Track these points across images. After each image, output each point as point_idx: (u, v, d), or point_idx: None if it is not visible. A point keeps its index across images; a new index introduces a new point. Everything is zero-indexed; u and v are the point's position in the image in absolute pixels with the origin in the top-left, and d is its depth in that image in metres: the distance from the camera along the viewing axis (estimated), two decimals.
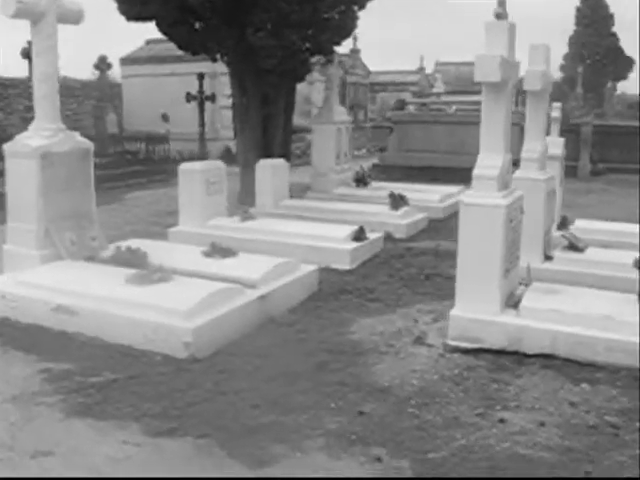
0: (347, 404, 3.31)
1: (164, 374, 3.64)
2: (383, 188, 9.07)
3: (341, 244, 5.87)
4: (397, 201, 7.26)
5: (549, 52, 5.21)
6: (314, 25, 8.06)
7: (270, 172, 7.60)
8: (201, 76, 12.65)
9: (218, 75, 13.43)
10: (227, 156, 14.31)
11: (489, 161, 3.89)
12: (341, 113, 9.21)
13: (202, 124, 12.92)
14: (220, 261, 4.95)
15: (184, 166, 6.53)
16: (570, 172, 12.86)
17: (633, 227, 6.22)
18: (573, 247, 5.21)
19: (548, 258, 5.25)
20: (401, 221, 7.07)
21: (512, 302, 4.03)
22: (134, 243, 5.29)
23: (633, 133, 13.13)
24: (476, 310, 3.89)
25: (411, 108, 15.07)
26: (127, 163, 11.82)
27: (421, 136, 13.03)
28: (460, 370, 3.69)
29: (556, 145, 6.50)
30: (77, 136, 5.20)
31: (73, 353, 3.95)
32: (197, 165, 6.53)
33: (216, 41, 7.56)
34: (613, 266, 5.03)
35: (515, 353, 3.82)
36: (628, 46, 40.78)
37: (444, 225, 7.79)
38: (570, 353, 3.68)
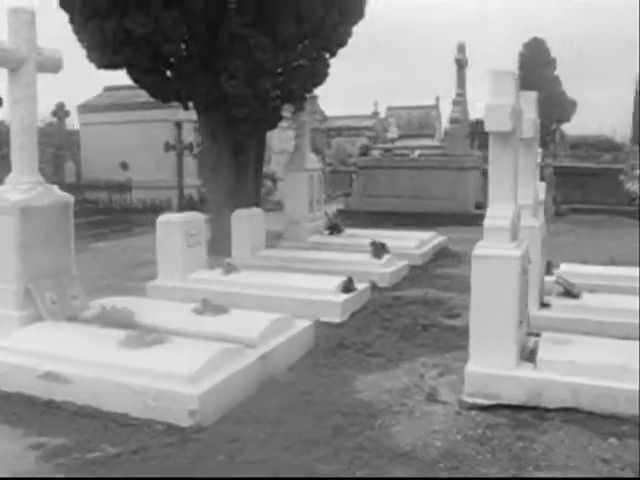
0: (372, 471, 3.12)
1: (170, 445, 3.37)
2: (357, 235, 9.02)
3: (331, 296, 5.71)
4: (379, 249, 7.17)
5: (536, 100, 5.26)
6: (286, 73, 8.04)
7: (247, 222, 7.44)
8: (178, 125, 12.52)
9: (182, 123, 13.28)
10: (188, 204, 14.11)
11: (500, 211, 3.82)
12: (313, 160, 9.15)
13: (180, 174, 12.74)
14: (213, 319, 4.72)
15: (163, 218, 6.30)
16: None
17: (619, 270, 6.27)
18: (568, 293, 5.18)
19: (544, 305, 5.20)
20: (385, 270, 6.97)
21: (525, 354, 3.93)
22: (117, 301, 5.02)
23: (593, 174, 13.52)
24: (492, 365, 3.77)
25: (375, 153, 15.19)
26: (89, 212, 11.48)
27: (385, 181, 13.11)
28: (482, 429, 3.54)
29: (540, 190, 6.53)
30: (56, 189, 4.94)
31: (65, 425, 3.65)
32: (177, 217, 6.31)
33: (189, 88, 7.42)
34: (610, 312, 5.01)
35: (535, 408, 3.70)
36: (570, 89, 42.55)
37: (424, 272, 7.74)
38: (592, 406, 3.58)
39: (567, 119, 41.91)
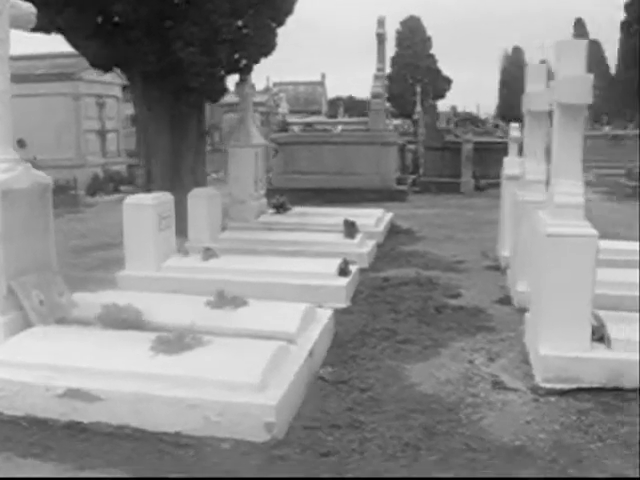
0: (501, 473, 2.83)
1: (260, 468, 2.89)
2: (306, 214, 8.64)
3: (334, 280, 5.33)
4: (351, 229, 6.84)
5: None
6: (235, 41, 7.43)
7: (206, 203, 6.83)
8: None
9: (82, 97, 12.12)
10: (95, 184, 13.03)
11: (569, 188, 3.62)
12: (257, 136, 8.61)
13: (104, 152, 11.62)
14: (236, 312, 4.19)
15: (132, 200, 5.59)
16: (454, 188, 13.34)
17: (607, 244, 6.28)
18: None
19: None
20: (361, 250, 6.66)
21: (595, 336, 3.78)
22: (111, 297, 4.35)
23: (506, 149, 13.86)
24: (568, 348, 3.58)
25: (295, 129, 14.74)
26: None
27: (308, 157, 12.73)
28: (575, 415, 3.35)
29: (516, 166, 6.46)
30: (33, 169, 4.17)
31: (106, 451, 3.05)
32: (148, 198, 5.61)
33: (137, 56, 6.64)
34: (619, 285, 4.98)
35: (614, 390, 3.56)
36: (445, 66, 44.00)
37: (391, 250, 7.50)
38: None
39: (442, 96, 43.39)
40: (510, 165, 6.47)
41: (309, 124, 14.82)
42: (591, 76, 3.43)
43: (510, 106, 49.37)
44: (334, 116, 28.62)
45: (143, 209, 5.52)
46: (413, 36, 41.65)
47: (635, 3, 22.71)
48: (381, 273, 6.37)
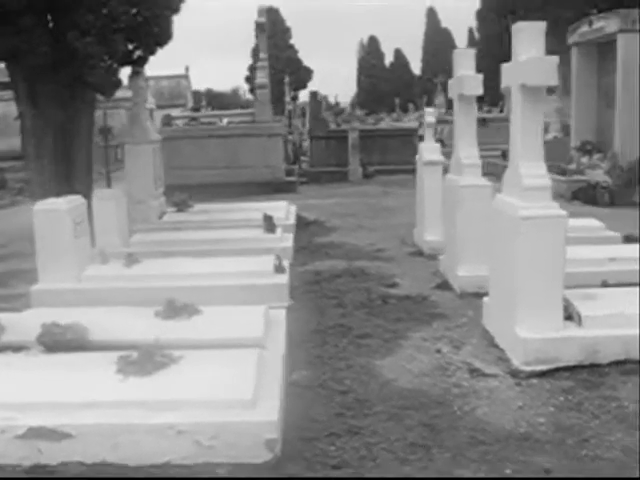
0: (523, 465, 2.76)
1: None
2: (209, 211, 8.28)
3: (273, 278, 5.06)
4: (271, 223, 6.60)
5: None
6: (130, 30, 6.92)
7: (114, 205, 6.30)
8: None
9: None
10: None
11: (535, 170, 3.62)
12: (153, 131, 8.11)
13: None
14: (191, 322, 3.85)
15: (43, 205, 5.01)
16: (342, 177, 13.40)
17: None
18: None
19: None
20: (285, 244, 6.42)
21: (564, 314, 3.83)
22: (44, 314, 3.85)
23: (392, 136, 14.15)
24: (544, 329, 3.61)
25: (179, 123, 14.06)
26: None
27: (194, 152, 12.25)
28: (563, 395, 3.37)
29: (436, 151, 6.52)
30: None
31: None
32: (61, 203, 5.04)
33: (28, 46, 5.97)
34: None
35: (589, 366, 3.63)
36: (305, 57, 44.35)
37: (308, 243, 7.34)
38: None
39: (304, 86, 43.74)
40: (429, 151, 6.50)
41: (194, 118, 14.26)
42: (557, 57, 3.44)
43: (368, 94, 50.92)
44: (197, 110, 27.91)
45: (56, 215, 4.96)
46: (273, 27, 41.48)
47: None
48: (307, 267, 6.20)
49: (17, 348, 3.60)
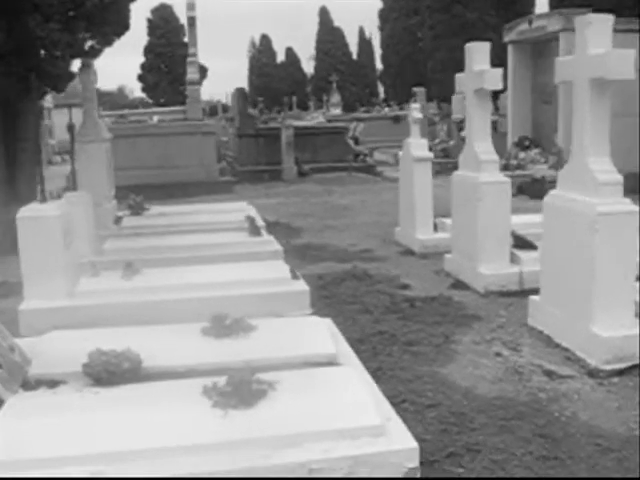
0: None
1: None
2: (166, 214, 7.74)
3: (293, 286, 4.72)
4: (255, 226, 6.21)
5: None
6: (83, 17, 6.31)
7: (83, 210, 5.71)
8: None
9: None
10: None
11: (606, 165, 3.54)
12: (105, 129, 7.46)
13: None
14: (251, 339, 3.45)
15: (28, 212, 4.39)
16: (275, 176, 13.07)
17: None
18: (528, 245, 5.17)
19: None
20: (275, 247, 6.05)
21: None
22: (72, 338, 3.34)
23: (319, 134, 13.96)
24: (620, 326, 3.54)
25: (107, 121, 13.09)
26: None
27: (124, 152, 11.47)
28: None
29: (424, 147, 6.38)
30: None
31: None
32: (50, 209, 4.43)
33: None
34: None
35: None
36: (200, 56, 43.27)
37: (287, 245, 6.98)
38: None
39: (200, 84, 42.72)
40: (417, 147, 6.35)
41: (122, 115, 13.38)
42: (633, 53, 3.36)
43: (260, 92, 50.55)
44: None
45: (45, 223, 4.37)
46: (166, 24, 40.26)
47: None
48: (304, 270, 5.84)
49: (52, 383, 3.08)
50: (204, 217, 7.32)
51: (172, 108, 14.19)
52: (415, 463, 2.52)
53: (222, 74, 63.02)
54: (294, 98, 39.19)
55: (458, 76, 5.26)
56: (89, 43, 6.75)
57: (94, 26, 6.30)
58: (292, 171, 12.93)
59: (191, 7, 11.51)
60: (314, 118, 26.53)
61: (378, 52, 46.89)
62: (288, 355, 3.27)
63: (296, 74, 53.48)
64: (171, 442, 2.47)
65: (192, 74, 11.52)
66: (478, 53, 4.93)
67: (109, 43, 6.79)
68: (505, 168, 10.58)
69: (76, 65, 7.08)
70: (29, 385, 3.03)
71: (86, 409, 2.72)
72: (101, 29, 6.39)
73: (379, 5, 29.81)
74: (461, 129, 18.87)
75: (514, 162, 10.57)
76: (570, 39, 9.60)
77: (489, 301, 4.83)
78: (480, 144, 5.00)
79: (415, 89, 22.15)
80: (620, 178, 3.54)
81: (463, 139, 16.12)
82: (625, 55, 3.35)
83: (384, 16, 28.50)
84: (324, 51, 50.24)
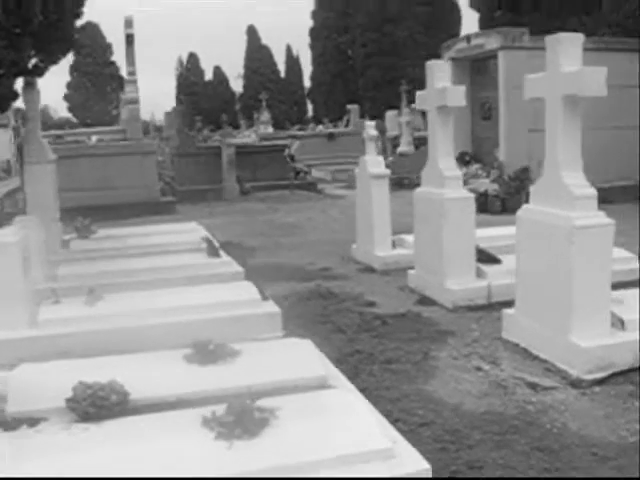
0: None
1: None
2: (115, 237, 7.50)
3: (264, 307, 4.63)
4: (214, 247, 6.09)
5: None
6: (29, 34, 6.08)
7: (35, 235, 5.44)
8: None
9: None
10: None
11: (579, 180, 3.65)
12: (50, 149, 7.18)
13: None
14: (237, 365, 3.35)
15: None
16: (215, 195, 12.89)
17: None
18: (492, 259, 5.26)
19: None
20: (236, 269, 5.94)
21: None
22: (42, 371, 3.16)
23: (258, 152, 13.88)
24: (597, 336, 3.63)
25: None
26: None
27: (63, 173, 11.05)
28: (634, 401, 3.40)
29: (381, 164, 6.42)
30: None
31: None
32: (9, 234, 4.19)
33: None
34: None
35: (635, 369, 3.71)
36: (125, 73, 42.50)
37: (243, 265, 6.87)
38: None
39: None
40: (374, 164, 6.38)
41: (59, 136, 12.90)
42: (604, 71, 3.48)
43: (189, 111, 50.08)
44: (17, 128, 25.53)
45: (4, 249, 4.14)
46: (92, 43, 39.41)
47: (319, 12, 24.68)
48: (266, 291, 5.77)
49: (32, 421, 2.89)
50: (156, 239, 7.12)
51: (111, 128, 13.82)
52: None
53: (148, 94, 62.10)
54: (224, 116, 39.03)
55: (419, 94, 5.33)
56: (33, 61, 6.51)
57: (40, 43, 6.07)
58: (234, 190, 12.79)
59: (129, 24, 11.27)
60: (245, 136, 26.48)
61: (307, 70, 47.46)
62: (279, 379, 3.19)
63: (225, 93, 53.26)
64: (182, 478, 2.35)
65: (131, 92, 11.26)
66: (439, 71, 5.02)
67: (55, 61, 6.55)
68: None
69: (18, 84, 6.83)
70: (7, 424, 2.84)
71: (80, 448, 2.57)
72: (47, 47, 6.16)
73: (309, 24, 30.14)
74: (395, 146, 19.34)
75: None
76: (508, 56, 10.03)
77: (458, 316, 4.88)
78: (443, 160, 5.07)
79: (349, 106, 22.50)
80: (594, 192, 3.65)
81: (401, 155, 16.49)
82: (597, 72, 3.47)
83: (315, 34, 28.77)
84: (252, 69, 50.28)
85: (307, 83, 50.15)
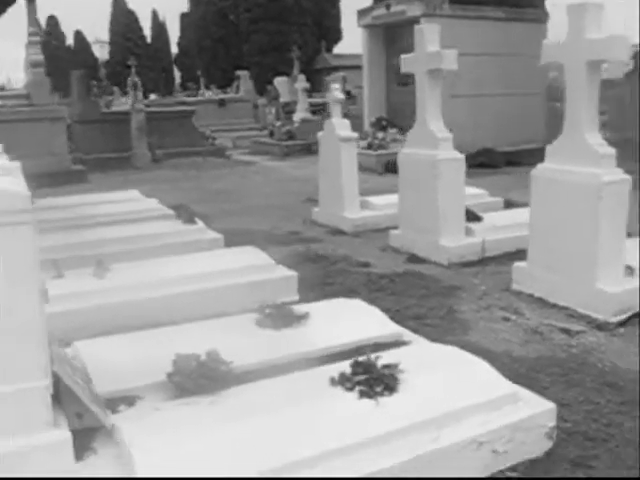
0: None
1: None
2: (58, 207, 7.02)
3: (280, 271, 4.61)
4: (189, 214, 5.90)
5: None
6: None
7: None
8: None
9: None
10: None
11: (599, 140, 3.95)
12: None
13: None
14: (316, 327, 3.35)
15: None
16: (124, 163, 12.35)
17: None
18: (474, 217, 5.53)
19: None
20: (214, 235, 5.81)
21: None
22: (108, 346, 3.01)
23: (166, 118, 13.37)
24: (616, 282, 3.98)
25: None
26: None
27: None
28: None
29: (348, 127, 6.46)
30: None
31: None
32: None
33: None
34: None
35: None
36: None
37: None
38: None
39: None
40: (341, 126, 6.42)
41: None
42: (627, 37, 3.76)
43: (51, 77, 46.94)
44: None
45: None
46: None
47: None
48: None
49: (130, 400, 2.76)
50: (108, 208, 6.74)
51: (14, 92, 12.68)
52: (554, 422, 2.69)
53: (4, 58, 57.18)
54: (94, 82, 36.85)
55: (404, 57, 5.44)
56: None
57: None
58: (145, 157, 12.30)
59: None
60: (123, 104, 25.34)
61: (175, 36, 45.81)
62: (360, 338, 3.25)
63: (88, 59, 50.31)
64: (343, 441, 2.37)
65: (34, 55, 10.40)
66: (430, 34, 5.14)
67: None
68: (369, 147, 11.06)
69: None
70: (107, 405, 2.69)
71: (220, 420, 2.49)
72: None
73: None
74: (288, 112, 19.32)
75: (376, 142, 11.05)
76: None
77: (455, 272, 5.11)
78: (435, 123, 5.24)
79: (239, 72, 22.14)
80: (613, 150, 3.97)
81: (304, 121, 16.50)
82: (622, 39, 3.75)
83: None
84: (119, 34, 47.87)
85: (174, 49, 48.65)
